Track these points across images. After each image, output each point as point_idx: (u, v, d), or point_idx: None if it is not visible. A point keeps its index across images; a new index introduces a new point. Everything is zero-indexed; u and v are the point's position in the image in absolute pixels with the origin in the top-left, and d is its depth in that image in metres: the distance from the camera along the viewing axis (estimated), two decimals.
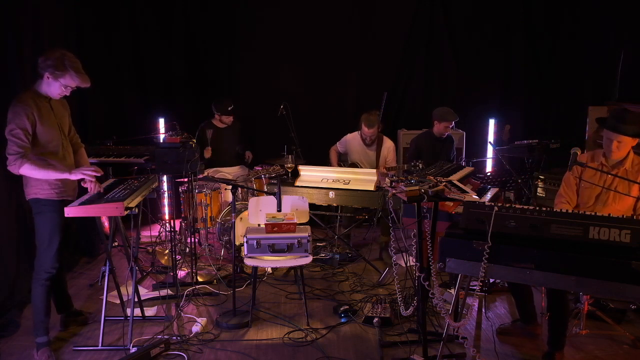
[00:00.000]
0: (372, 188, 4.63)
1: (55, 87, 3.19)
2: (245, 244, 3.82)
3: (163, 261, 4.91)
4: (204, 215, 4.97)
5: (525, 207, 2.85)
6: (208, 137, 5.60)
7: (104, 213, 3.30)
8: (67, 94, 3.29)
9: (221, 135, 5.69)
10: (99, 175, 3.22)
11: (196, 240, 4.70)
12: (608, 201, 3.41)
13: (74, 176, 3.20)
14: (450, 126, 5.25)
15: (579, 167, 3.51)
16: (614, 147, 3.33)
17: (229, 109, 5.60)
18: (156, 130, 5.93)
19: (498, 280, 4.28)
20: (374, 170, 4.77)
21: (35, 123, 3.15)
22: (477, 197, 3.74)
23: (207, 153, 5.58)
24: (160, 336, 3.63)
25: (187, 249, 4.91)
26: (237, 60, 6.41)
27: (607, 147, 3.36)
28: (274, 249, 3.81)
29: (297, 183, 4.85)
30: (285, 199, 4.20)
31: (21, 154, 3.09)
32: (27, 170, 3.13)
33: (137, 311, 3.83)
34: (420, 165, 4.79)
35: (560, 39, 6.45)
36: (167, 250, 4.96)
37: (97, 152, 5.05)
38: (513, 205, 2.89)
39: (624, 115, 3.30)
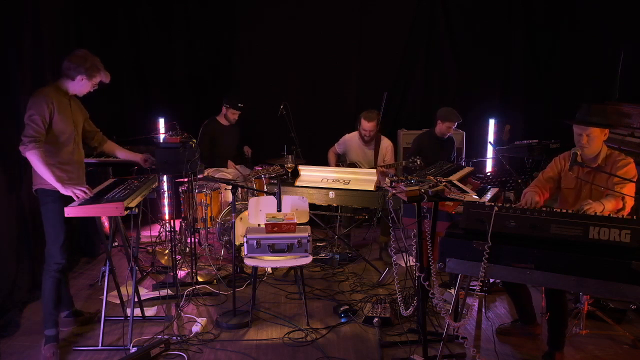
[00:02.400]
0: (372, 188, 4.63)
1: (87, 86, 3.46)
2: (245, 244, 3.82)
3: (163, 261, 4.91)
4: (204, 215, 4.97)
5: (525, 207, 2.85)
6: (213, 135, 5.62)
7: (104, 213, 3.32)
8: (92, 90, 3.55)
9: (223, 134, 5.69)
10: (87, 197, 3.26)
11: (196, 240, 4.70)
12: (591, 199, 3.40)
13: (64, 190, 3.26)
14: (453, 127, 5.25)
15: (559, 165, 3.54)
16: (583, 141, 3.33)
17: (239, 104, 5.61)
18: (156, 130, 5.94)
19: (498, 280, 4.27)
20: (374, 170, 4.77)
21: (53, 113, 3.31)
22: (477, 197, 3.74)
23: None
24: (160, 336, 3.63)
25: (187, 249, 4.91)
26: (237, 60, 6.40)
27: (578, 143, 3.37)
28: (274, 249, 3.81)
29: (297, 183, 4.85)
30: (285, 199, 4.20)
31: (35, 139, 3.22)
32: (33, 158, 3.23)
33: (137, 311, 3.83)
34: (418, 162, 4.80)
35: (560, 38, 6.45)
36: (167, 250, 4.96)
37: (97, 152, 5.04)
38: (513, 205, 2.89)
39: (589, 109, 3.33)
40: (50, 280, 3.41)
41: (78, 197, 3.24)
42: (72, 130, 3.45)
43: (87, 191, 3.28)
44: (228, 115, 5.65)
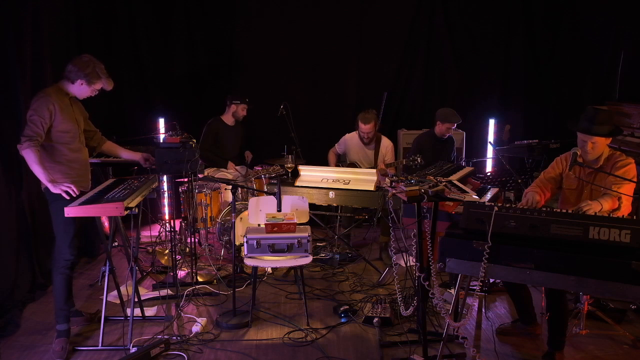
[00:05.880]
0: (372, 188, 4.63)
1: (86, 91, 3.51)
2: (245, 244, 3.82)
3: (163, 261, 4.90)
4: (204, 215, 4.97)
5: (526, 207, 2.85)
6: (216, 134, 5.62)
7: (104, 213, 3.33)
8: (93, 95, 3.59)
9: (226, 134, 5.69)
10: (74, 195, 3.30)
11: (196, 240, 4.70)
12: (591, 199, 3.40)
13: (53, 188, 3.28)
14: (453, 128, 5.25)
15: (561, 165, 3.54)
16: (589, 148, 3.32)
17: (247, 100, 5.65)
18: (156, 130, 5.93)
19: (498, 280, 4.28)
20: (374, 170, 4.77)
21: (55, 114, 3.37)
22: (477, 197, 3.74)
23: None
24: (160, 336, 3.63)
25: (187, 249, 4.91)
26: (237, 60, 6.40)
27: (582, 148, 3.36)
28: (274, 249, 3.81)
29: (297, 183, 4.85)
30: (285, 199, 4.20)
31: (30, 138, 3.27)
32: (27, 156, 3.27)
33: (137, 311, 3.83)
34: (419, 160, 4.81)
35: (560, 38, 6.45)
36: (167, 250, 4.96)
37: (96, 152, 5.04)
38: (513, 205, 2.90)
39: (595, 116, 3.30)
40: (60, 277, 3.48)
41: (64, 194, 3.27)
42: (76, 128, 3.51)
43: (72, 187, 3.29)
44: (238, 112, 5.64)
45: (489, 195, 4.12)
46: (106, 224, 5.02)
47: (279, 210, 4.11)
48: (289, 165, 5.06)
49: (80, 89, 3.48)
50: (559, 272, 2.61)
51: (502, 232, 2.76)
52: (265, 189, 5.03)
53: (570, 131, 3.48)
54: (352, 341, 3.63)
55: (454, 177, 4.06)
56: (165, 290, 4.24)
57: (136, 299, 3.76)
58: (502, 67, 6.63)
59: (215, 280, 4.55)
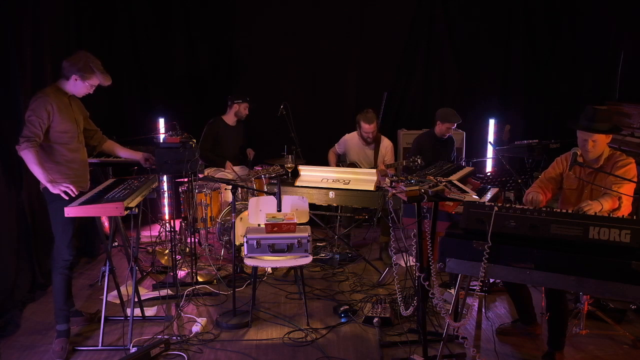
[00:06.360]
0: (372, 188, 4.63)
1: (82, 87, 3.46)
2: (245, 244, 3.82)
3: (163, 261, 4.91)
4: (204, 215, 4.97)
5: (525, 207, 2.85)
6: (217, 134, 5.63)
7: (104, 213, 3.33)
8: (91, 92, 3.55)
9: (227, 134, 5.70)
10: (73, 195, 3.30)
11: (196, 240, 4.70)
12: (592, 199, 3.40)
13: (52, 188, 3.27)
14: (453, 128, 5.25)
15: (562, 165, 3.55)
16: (589, 146, 3.33)
17: (248, 98, 5.69)
18: (156, 130, 5.93)
19: (498, 280, 4.28)
20: (374, 170, 4.77)
21: (53, 114, 3.35)
22: (477, 197, 3.74)
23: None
24: (160, 336, 3.63)
25: (187, 249, 4.91)
26: (237, 60, 6.41)
27: (582, 147, 3.36)
28: (274, 249, 3.81)
29: (297, 183, 4.85)
30: (285, 199, 4.20)
31: (29, 139, 3.27)
32: (26, 156, 3.27)
33: (137, 311, 3.83)
34: (419, 161, 4.81)
35: (560, 38, 6.44)
36: (167, 250, 4.96)
37: (97, 152, 5.04)
38: (513, 205, 2.90)
39: (595, 114, 3.32)
40: (59, 277, 3.47)
41: (63, 194, 3.26)
42: (75, 128, 3.49)
43: (70, 188, 3.28)
44: (240, 111, 5.68)
45: (489, 195, 4.13)
46: (106, 224, 5.02)
47: (279, 210, 4.11)
48: (289, 165, 5.06)
49: (76, 85, 3.43)
50: (559, 272, 2.61)
51: (502, 232, 2.76)
52: (265, 189, 5.04)
53: (570, 131, 3.48)
54: (352, 341, 3.63)
55: (454, 177, 4.06)
56: (165, 290, 4.24)
57: (136, 299, 3.76)
58: (502, 67, 6.62)
59: (215, 280, 4.55)
